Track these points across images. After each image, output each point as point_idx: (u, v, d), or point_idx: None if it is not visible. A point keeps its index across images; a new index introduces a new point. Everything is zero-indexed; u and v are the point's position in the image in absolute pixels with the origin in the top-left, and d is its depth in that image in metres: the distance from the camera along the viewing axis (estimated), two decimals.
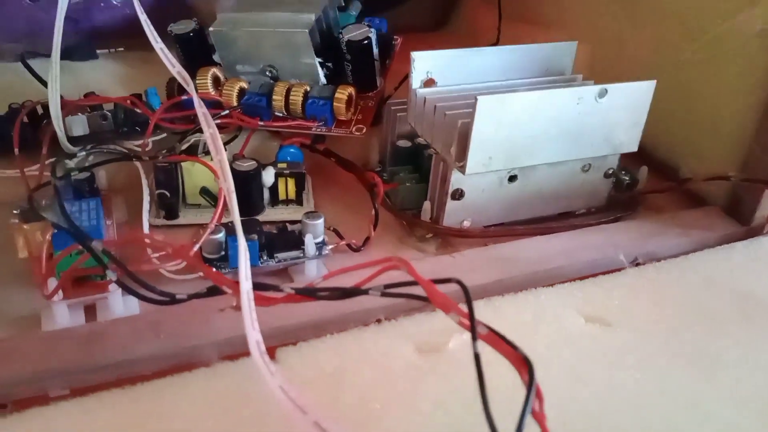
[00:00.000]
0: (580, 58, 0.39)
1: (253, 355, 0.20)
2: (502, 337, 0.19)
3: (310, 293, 0.23)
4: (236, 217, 0.25)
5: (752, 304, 0.29)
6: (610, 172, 0.37)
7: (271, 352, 0.25)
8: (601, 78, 0.35)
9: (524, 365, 0.18)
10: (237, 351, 0.25)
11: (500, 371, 0.19)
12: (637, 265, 0.33)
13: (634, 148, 0.36)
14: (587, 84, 0.37)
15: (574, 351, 0.25)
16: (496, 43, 0.50)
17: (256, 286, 0.23)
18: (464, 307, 0.20)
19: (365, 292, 0.23)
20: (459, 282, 0.21)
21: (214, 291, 0.23)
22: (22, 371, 0.24)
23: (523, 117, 0.32)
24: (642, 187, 0.38)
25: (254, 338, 0.21)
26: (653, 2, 0.41)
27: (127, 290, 0.24)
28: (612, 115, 0.34)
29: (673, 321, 0.27)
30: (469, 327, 0.20)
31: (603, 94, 0.33)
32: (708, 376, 0.25)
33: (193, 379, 0.23)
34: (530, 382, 0.17)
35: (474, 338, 0.19)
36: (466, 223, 0.35)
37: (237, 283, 0.23)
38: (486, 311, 0.27)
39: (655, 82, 0.34)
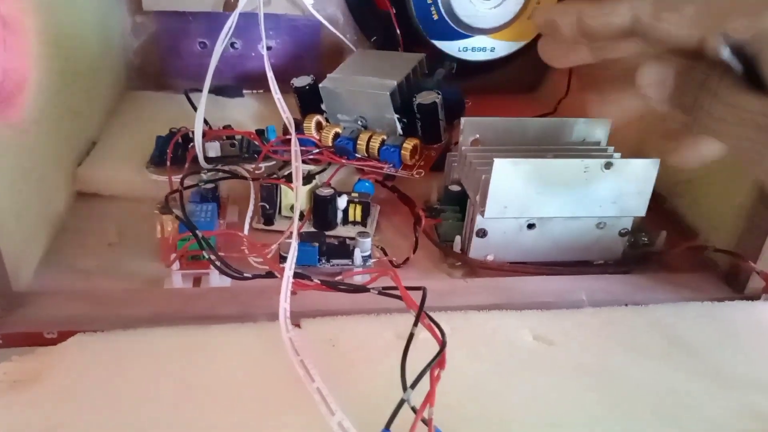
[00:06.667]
0: (622, 131, 0.46)
1: (280, 318, 0.31)
2: (437, 325, 0.28)
3: (332, 285, 0.34)
4: (294, 227, 0.36)
5: (676, 348, 0.35)
6: (624, 231, 0.43)
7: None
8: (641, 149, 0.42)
9: (440, 340, 0.27)
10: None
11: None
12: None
13: (642, 214, 0.42)
14: (600, 155, 0.43)
15: (513, 357, 0.33)
16: (554, 111, 0.58)
17: (296, 275, 0.33)
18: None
19: (368, 290, 0.33)
20: (423, 288, 0.30)
21: (269, 275, 0.34)
22: (147, 311, 0.36)
23: (533, 178, 0.40)
24: (658, 249, 0.44)
25: (283, 307, 0.31)
26: None
27: (213, 265, 0.35)
28: (618, 184, 0.41)
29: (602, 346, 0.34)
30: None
31: (609, 166, 0.40)
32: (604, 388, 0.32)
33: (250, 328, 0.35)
34: (441, 349, 0.26)
35: (415, 324, 0.28)
36: (490, 257, 0.43)
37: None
38: (457, 319, 0.35)
39: (659, 160, 0.40)
